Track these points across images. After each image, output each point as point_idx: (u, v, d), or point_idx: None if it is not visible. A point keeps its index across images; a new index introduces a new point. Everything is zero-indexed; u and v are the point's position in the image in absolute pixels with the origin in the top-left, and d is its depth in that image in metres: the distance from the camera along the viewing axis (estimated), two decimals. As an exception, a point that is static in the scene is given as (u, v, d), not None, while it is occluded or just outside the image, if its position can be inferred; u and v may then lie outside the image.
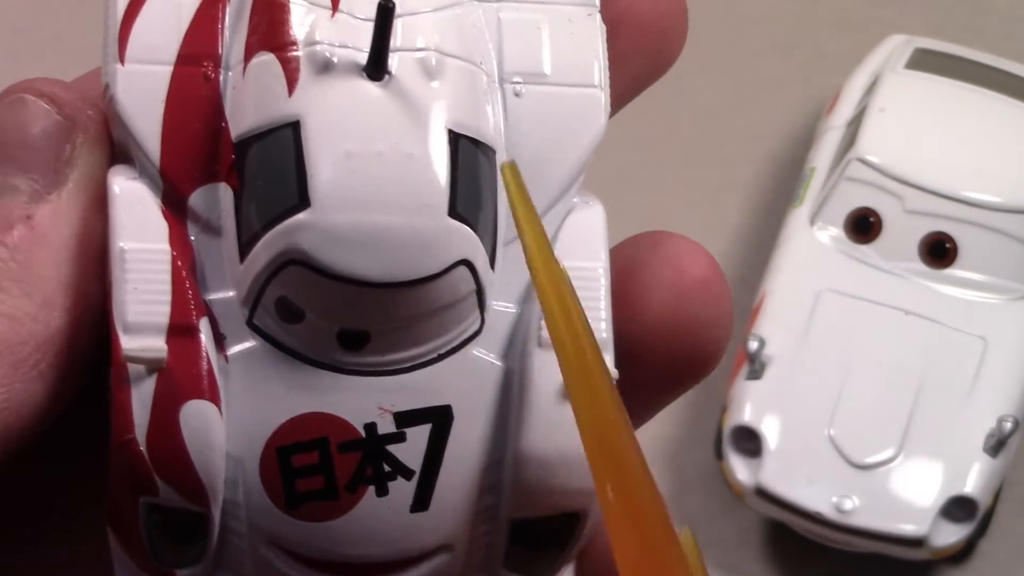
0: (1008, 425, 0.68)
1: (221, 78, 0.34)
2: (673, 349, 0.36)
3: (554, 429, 0.34)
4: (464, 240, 0.33)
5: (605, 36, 0.37)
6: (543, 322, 0.34)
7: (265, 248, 0.33)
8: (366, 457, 0.34)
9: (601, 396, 0.32)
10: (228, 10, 0.35)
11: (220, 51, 0.35)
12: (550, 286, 0.33)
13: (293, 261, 0.32)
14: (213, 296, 0.34)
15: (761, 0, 0.88)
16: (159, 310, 0.33)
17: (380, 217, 0.32)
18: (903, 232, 0.73)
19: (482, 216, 0.34)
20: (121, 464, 0.33)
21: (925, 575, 0.70)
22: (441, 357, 0.34)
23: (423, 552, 0.35)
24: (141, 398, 0.32)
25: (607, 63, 0.36)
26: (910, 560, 0.68)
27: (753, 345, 0.70)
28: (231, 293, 0.34)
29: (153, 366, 0.32)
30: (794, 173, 0.79)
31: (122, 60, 0.34)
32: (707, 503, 0.74)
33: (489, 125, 0.34)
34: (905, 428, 0.68)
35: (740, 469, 0.70)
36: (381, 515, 0.34)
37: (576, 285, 0.34)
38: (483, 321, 0.34)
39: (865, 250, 0.73)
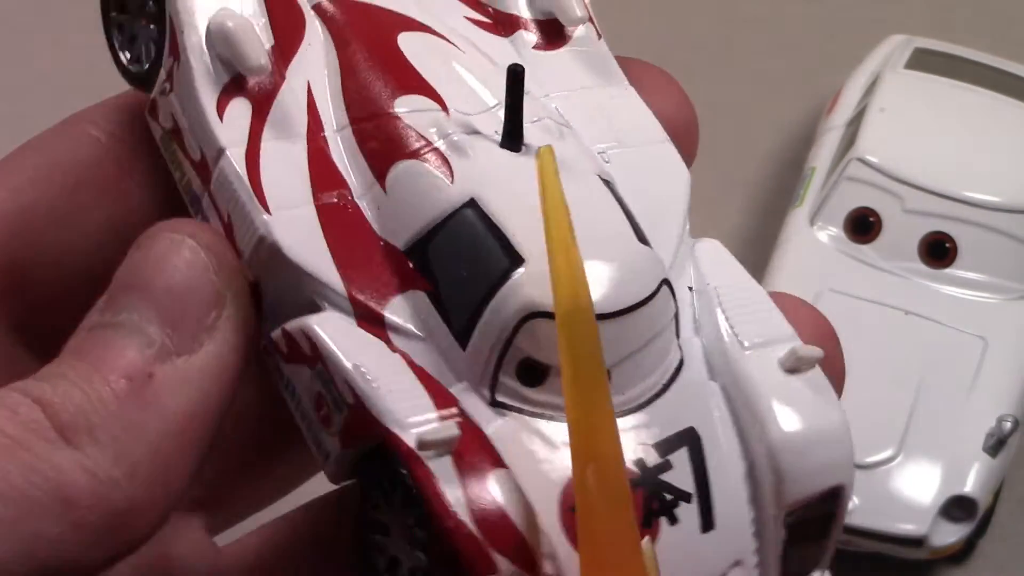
0: (1008, 425, 0.68)
1: (359, 204, 0.37)
2: None
3: (797, 409, 0.36)
4: (656, 261, 0.36)
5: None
6: (735, 328, 0.37)
7: (495, 316, 0.34)
8: (650, 492, 0.35)
9: (598, 382, 0.33)
10: (332, 145, 0.37)
11: (345, 180, 0.37)
12: (564, 261, 0.33)
13: (532, 315, 0.34)
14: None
15: (761, 0, 0.88)
16: (422, 403, 0.34)
17: (587, 253, 0.34)
18: (903, 232, 0.73)
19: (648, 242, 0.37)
20: (448, 550, 0.33)
21: (925, 575, 0.70)
22: (666, 387, 0.36)
23: (722, 574, 0.36)
24: (447, 480, 0.33)
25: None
26: (910, 560, 0.68)
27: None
28: (455, 386, 0.35)
29: (447, 447, 0.33)
30: (794, 173, 0.79)
31: (268, 210, 0.36)
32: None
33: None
34: (904, 428, 0.68)
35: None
36: (680, 544, 0.35)
37: (744, 299, 0.37)
38: (680, 349, 0.37)
39: (865, 250, 0.73)
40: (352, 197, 0.37)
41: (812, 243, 0.73)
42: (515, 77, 0.36)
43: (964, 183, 0.73)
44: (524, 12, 0.41)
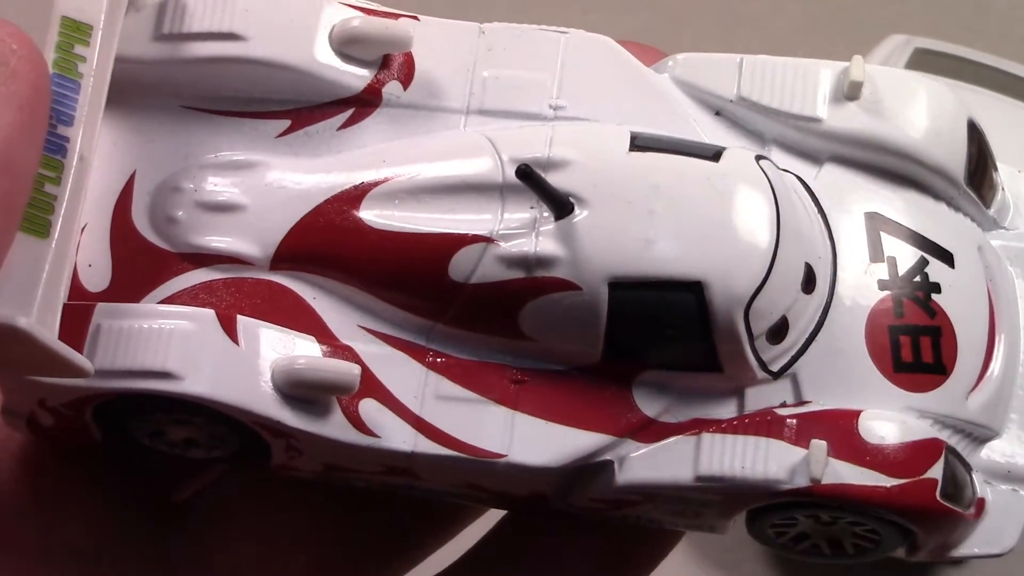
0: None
1: (524, 368, 0.38)
2: None
3: (893, 108, 0.40)
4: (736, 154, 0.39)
5: None
6: None
7: (726, 332, 0.37)
8: (908, 293, 0.39)
9: None
10: (442, 357, 0.39)
11: (504, 364, 0.39)
12: None
13: (748, 305, 0.37)
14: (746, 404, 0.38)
15: (761, 0, 0.88)
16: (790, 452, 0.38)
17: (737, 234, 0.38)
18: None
19: None
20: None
21: (925, 574, 0.70)
22: (823, 216, 0.40)
23: (984, 268, 0.41)
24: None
25: None
26: (910, 560, 0.68)
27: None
28: (747, 394, 0.38)
29: None
30: (794, 173, 0.79)
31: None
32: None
33: None
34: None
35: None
36: (956, 295, 0.39)
37: (765, 81, 0.40)
38: (781, 168, 0.40)
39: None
40: (515, 368, 0.38)
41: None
42: (528, 176, 0.37)
43: (964, 183, 0.73)
44: (365, 77, 0.40)
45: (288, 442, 0.38)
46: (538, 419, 0.38)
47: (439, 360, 0.38)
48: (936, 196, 0.40)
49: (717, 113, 0.40)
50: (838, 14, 0.88)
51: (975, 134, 0.42)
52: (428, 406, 0.38)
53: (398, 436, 0.38)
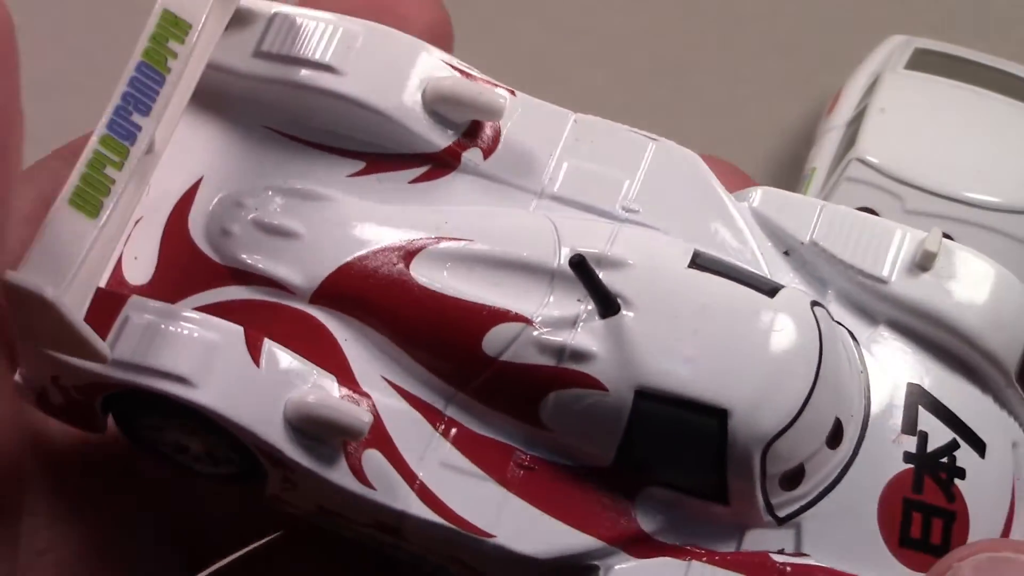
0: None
1: (536, 455, 0.38)
2: None
3: (965, 291, 0.39)
4: (798, 297, 0.39)
5: None
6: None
7: (742, 466, 0.36)
8: (930, 471, 0.37)
9: None
10: (459, 419, 0.39)
11: (506, 444, 0.38)
12: None
13: (767, 447, 0.36)
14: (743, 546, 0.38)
15: (761, 0, 0.88)
16: None
17: (755, 362, 0.37)
18: (903, 232, 0.73)
19: None
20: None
21: (925, 575, 0.70)
22: (863, 366, 0.39)
23: (1013, 466, 0.39)
24: None
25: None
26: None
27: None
28: (745, 537, 0.37)
29: None
30: (794, 173, 0.79)
31: (487, 534, 0.37)
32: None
33: None
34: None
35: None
36: (979, 486, 0.38)
37: (837, 231, 0.40)
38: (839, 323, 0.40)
39: (865, 250, 0.73)
40: (525, 453, 0.38)
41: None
42: (581, 268, 0.37)
43: (964, 183, 0.73)
44: (451, 137, 0.40)
45: (285, 474, 0.38)
46: (535, 509, 0.38)
47: (452, 429, 0.38)
48: (984, 384, 0.40)
49: (786, 253, 0.40)
50: (838, 14, 0.88)
51: None
52: (430, 470, 0.38)
53: (394, 493, 0.38)
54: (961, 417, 0.39)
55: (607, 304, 0.37)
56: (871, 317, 0.39)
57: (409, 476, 0.38)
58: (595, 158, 0.40)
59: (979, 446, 0.38)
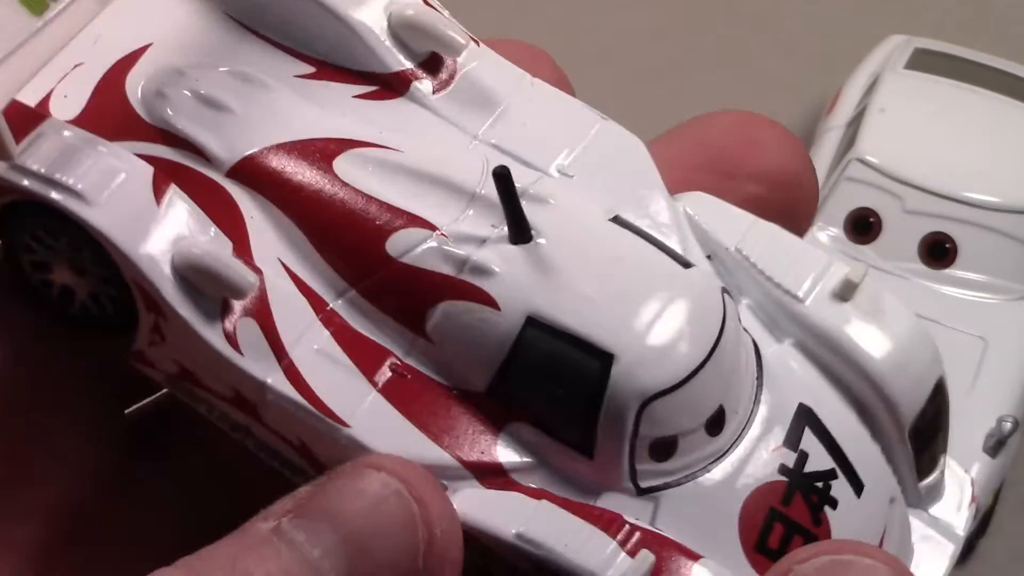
0: (1007, 425, 0.68)
1: (410, 363, 0.37)
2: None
3: (876, 332, 0.38)
4: (707, 278, 0.38)
5: None
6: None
7: (614, 417, 0.35)
8: (804, 491, 0.37)
9: None
10: (344, 314, 0.38)
11: (384, 347, 0.37)
12: None
13: (647, 401, 0.36)
14: (602, 502, 0.36)
15: (761, 0, 0.88)
16: (598, 540, 0.36)
17: (652, 311, 0.36)
18: (903, 232, 0.73)
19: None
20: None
21: None
22: (759, 380, 0.38)
23: (886, 522, 0.38)
24: None
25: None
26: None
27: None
28: (600, 498, 0.36)
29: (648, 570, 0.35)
30: (794, 173, 0.79)
31: (343, 422, 0.37)
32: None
33: None
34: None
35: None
36: (848, 520, 0.37)
37: (764, 245, 0.39)
38: (746, 331, 0.38)
39: (865, 250, 0.73)
40: (401, 360, 0.37)
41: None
42: (503, 180, 0.37)
43: (964, 183, 0.73)
44: (405, 63, 0.41)
45: (157, 321, 0.38)
46: (397, 412, 0.37)
47: (335, 320, 0.38)
48: (876, 432, 0.38)
49: (709, 256, 0.40)
50: (838, 14, 0.88)
51: (939, 398, 0.39)
52: (302, 353, 0.37)
53: (261, 364, 0.37)
54: (846, 452, 0.38)
55: (520, 229, 0.37)
56: (780, 334, 0.39)
57: (280, 352, 0.37)
58: (541, 119, 0.40)
59: (857, 485, 0.38)
